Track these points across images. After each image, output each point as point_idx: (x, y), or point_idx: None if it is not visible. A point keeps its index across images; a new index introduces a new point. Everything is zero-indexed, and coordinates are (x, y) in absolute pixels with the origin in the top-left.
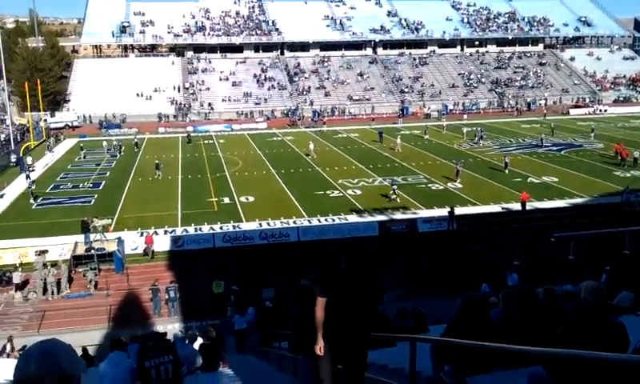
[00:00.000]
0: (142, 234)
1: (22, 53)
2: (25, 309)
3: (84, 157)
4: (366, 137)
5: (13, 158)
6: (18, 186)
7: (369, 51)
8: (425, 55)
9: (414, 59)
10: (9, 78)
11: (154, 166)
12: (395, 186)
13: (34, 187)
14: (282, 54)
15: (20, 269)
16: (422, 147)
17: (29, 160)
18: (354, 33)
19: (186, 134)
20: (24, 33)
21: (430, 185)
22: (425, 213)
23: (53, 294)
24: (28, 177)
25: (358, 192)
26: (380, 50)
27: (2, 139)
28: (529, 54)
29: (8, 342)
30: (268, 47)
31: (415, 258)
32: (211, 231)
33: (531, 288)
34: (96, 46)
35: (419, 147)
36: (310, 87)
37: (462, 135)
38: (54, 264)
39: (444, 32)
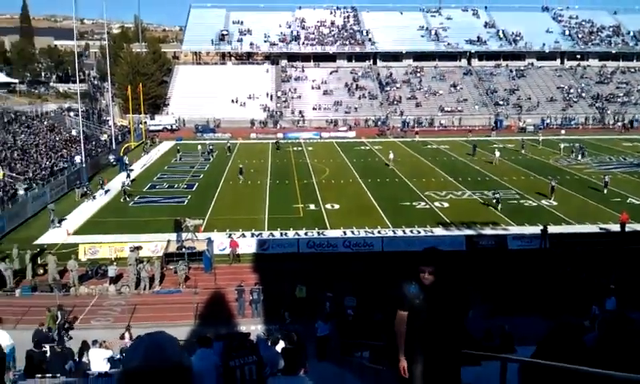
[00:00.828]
0: (229, 236)
1: (126, 57)
2: (118, 301)
3: (180, 159)
4: (456, 149)
5: (112, 158)
6: (118, 184)
7: (463, 62)
8: (522, 67)
9: (511, 71)
10: (113, 81)
11: (238, 170)
12: (498, 196)
13: (129, 187)
14: (375, 63)
15: (115, 263)
16: (516, 162)
17: (127, 160)
18: (448, 43)
19: (275, 141)
20: (129, 38)
21: (522, 201)
22: (516, 229)
23: (145, 288)
24: (128, 176)
25: (446, 205)
26: (475, 62)
27: (104, 139)
28: (633, 70)
29: (126, 331)
30: (361, 57)
31: (503, 276)
32: (296, 236)
33: (629, 313)
34: (196, 53)
35: (513, 161)
36: (400, 97)
37: (559, 151)
38: (148, 260)
39: (543, 44)
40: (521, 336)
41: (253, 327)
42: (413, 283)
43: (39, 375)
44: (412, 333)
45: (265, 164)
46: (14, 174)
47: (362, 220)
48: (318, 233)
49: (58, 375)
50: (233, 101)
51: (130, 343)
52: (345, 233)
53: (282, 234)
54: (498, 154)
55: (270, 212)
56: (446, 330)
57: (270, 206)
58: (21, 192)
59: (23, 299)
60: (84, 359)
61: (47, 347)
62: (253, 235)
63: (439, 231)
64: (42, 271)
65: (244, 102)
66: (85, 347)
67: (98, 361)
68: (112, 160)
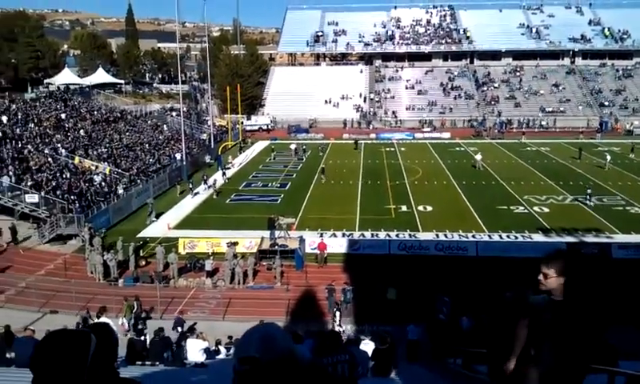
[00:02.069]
0: (320, 236)
1: (225, 59)
2: (213, 295)
3: (274, 158)
4: (557, 151)
5: (207, 158)
6: (217, 181)
7: (566, 61)
8: (629, 67)
9: (617, 71)
10: (212, 82)
11: (320, 170)
12: (590, 190)
13: (226, 181)
14: (472, 62)
15: (212, 258)
16: (623, 166)
17: (230, 158)
18: (550, 41)
19: (354, 140)
20: (227, 41)
21: (628, 208)
22: (621, 238)
23: (239, 283)
24: (224, 174)
25: (546, 210)
26: (579, 60)
27: (203, 139)
28: None
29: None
30: (457, 56)
31: (604, 285)
32: (387, 238)
33: None
34: (291, 54)
35: (620, 166)
36: (498, 97)
37: None
38: (242, 256)
39: None
40: (624, 350)
41: (343, 327)
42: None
43: (139, 362)
44: (533, 341)
45: (357, 164)
46: (120, 170)
47: (455, 223)
48: (410, 235)
49: (157, 363)
50: (326, 101)
51: (244, 334)
52: (437, 236)
53: (372, 235)
54: (609, 157)
55: (362, 212)
56: (574, 346)
57: (361, 206)
58: (120, 191)
59: (126, 289)
60: (182, 349)
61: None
62: (344, 235)
63: (538, 237)
64: (143, 263)
65: (337, 103)
66: (182, 337)
67: (195, 351)
68: (207, 160)
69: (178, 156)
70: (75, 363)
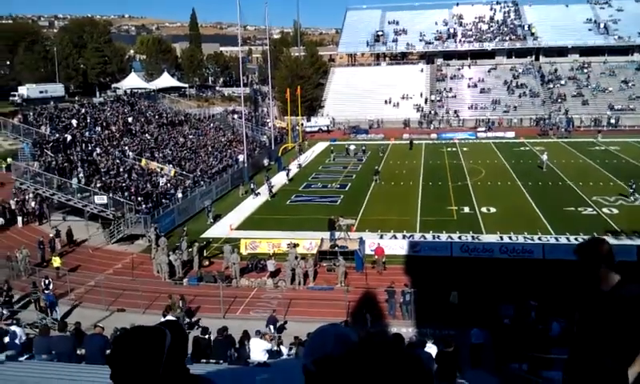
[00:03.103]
0: (381, 237)
1: (285, 61)
2: (275, 295)
3: (333, 159)
4: (627, 151)
5: (265, 161)
6: (278, 182)
7: (636, 57)
8: None
9: None
10: (273, 84)
11: (373, 171)
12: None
13: (283, 184)
14: (537, 59)
15: (273, 258)
16: None
17: (298, 159)
18: (619, 37)
19: (409, 140)
20: (288, 43)
21: None
22: None
23: (300, 284)
24: (287, 174)
25: (615, 211)
26: None
27: (264, 141)
28: None
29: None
30: (522, 53)
31: None
32: (449, 240)
33: None
34: (351, 54)
35: None
36: (565, 95)
37: None
38: (303, 257)
39: None
40: None
41: (404, 329)
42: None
43: (204, 360)
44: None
45: (417, 165)
46: (184, 172)
47: (520, 225)
48: (473, 237)
49: (221, 361)
50: (386, 101)
51: (316, 333)
52: (501, 238)
53: (434, 237)
54: None
55: (422, 214)
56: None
57: (422, 207)
58: (179, 195)
59: (190, 288)
60: (245, 348)
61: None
62: (404, 237)
63: (608, 240)
64: (207, 263)
65: (397, 103)
66: (245, 336)
67: (258, 351)
68: (266, 163)
69: (240, 158)
70: (152, 358)
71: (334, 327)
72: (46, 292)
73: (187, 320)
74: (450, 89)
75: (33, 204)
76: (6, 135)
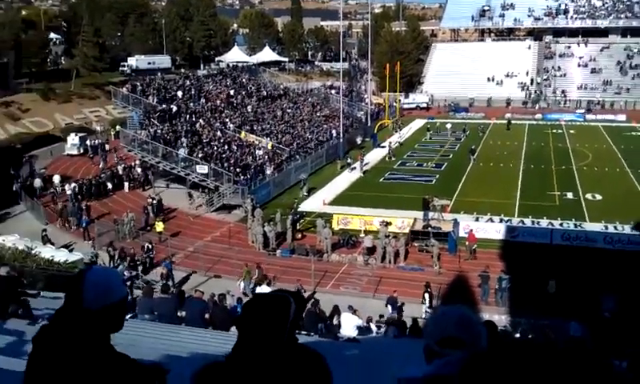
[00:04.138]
0: (476, 219)
1: (385, 36)
2: (364, 272)
3: (430, 138)
4: None
5: (359, 139)
6: (371, 159)
7: None
8: None
9: None
10: (372, 59)
11: (469, 150)
12: None
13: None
14: None
15: (364, 235)
16: None
17: (398, 135)
18: None
19: (506, 121)
20: (389, 17)
21: None
22: None
23: (390, 262)
24: (390, 150)
25: None
26: None
27: (360, 117)
28: None
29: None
30: (637, 32)
31: None
32: (550, 226)
33: None
34: (454, 29)
35: None
36: None
37: None
38: (394, 235)
39: None
40: None
41: (496, 316)
42: None
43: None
44: None
45: (519, 146)
46: (282, 145)
47: (628, 215)
48: (575, 225)
49: (312, 334)
50: (489, 79)
51: (439, 314)
52: (606, 227)
53: (533, 223)
54: None
55: (522, 198)
56: None
57: (522, 191)
58: (267, 172)
59: (283, 260)
60: (335, 322)
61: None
62: (501, 221)
63: None
64: (300, 236)
65: (501, 80)
66: (336, 311)
67: (349, 326)
68: (359, 141)
69: (334, 133)
70: (278, 324)
71: (458, 309)
72: (166, 261)
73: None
74: (559, 67)
75: (139, 170)
76: (115, 104)
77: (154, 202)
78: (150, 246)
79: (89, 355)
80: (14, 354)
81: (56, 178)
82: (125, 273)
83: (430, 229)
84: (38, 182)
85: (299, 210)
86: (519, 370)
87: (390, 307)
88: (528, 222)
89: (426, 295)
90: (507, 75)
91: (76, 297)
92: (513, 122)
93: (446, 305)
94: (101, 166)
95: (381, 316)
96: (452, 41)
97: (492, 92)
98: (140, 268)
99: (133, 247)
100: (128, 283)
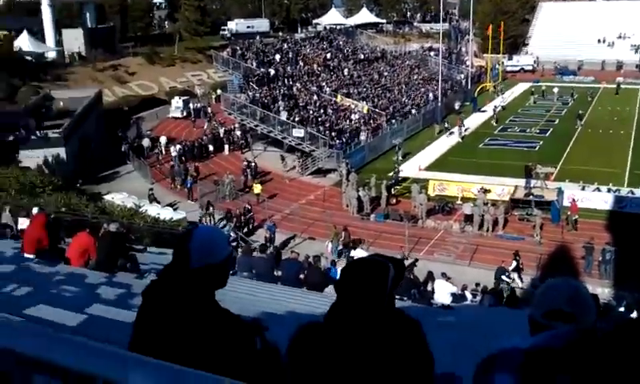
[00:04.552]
0: (582, 188)
1: None
2: (460, 239)
3: (534, 102)
4: None
5: (457, 104)
6: (471, 124)
7: None
8: None
9: None
10: (474, 20)
11: (576, 115)
12: None
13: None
14: None
15: (461, 202)
16: None
17: (499, 100)
18: None
19: (616, 85)
20: None
21: None
22: None
23: (487, 231)
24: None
25: None
26: None
27: (460, 79)
28: None
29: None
30: None
31: None
32: None
33: None
34: None
35: None
36: None
37: None
38: (493, 203)
39: None
40: None
41: (599, 289)
42: None
43: None
44: None
45: (631, 113)
46: (377, 109)
47: None
48: None
49: (405, 298)
50: (599, 40)
51: (549, 285)
52: None
53: None
54: None
55: (633, 167)
56: None
57: (632, 159)
58: (362, 137)
59: (377, 224)
60: (428, 288)
61: None
62: (609, 191)
63: None
64: (394, 201)
65: (612, 42)
66: (430, 277)
67: (443, 293)
68: (457, 106)
69: (432, 96)
70: (377, 289)
71: (570, 282)
72: (269, 223)
73: (346, 251)
74: None
75: (238, 133)
76: (216, 68)
77: (252, 164)
78: (250, 207)
79: (195, 310)
80: (123, 305)
81: (162, 139)
82: (231, 234)
83: (531, 197)
84: (146, 142)
85: (399, 174)
86: (630, 352)
87: (505, 276)
88: (638, 192)
89: (514, 263)
90: (620, 37)
91: (183, 255)
92: (625, 86)
93: (556, 276)
94: (205, 128)
95: (477, 284)
96: (560, 0)
97: (603, 54)
98: (245, 229)
99: (233, 208)
100: (234, 244)
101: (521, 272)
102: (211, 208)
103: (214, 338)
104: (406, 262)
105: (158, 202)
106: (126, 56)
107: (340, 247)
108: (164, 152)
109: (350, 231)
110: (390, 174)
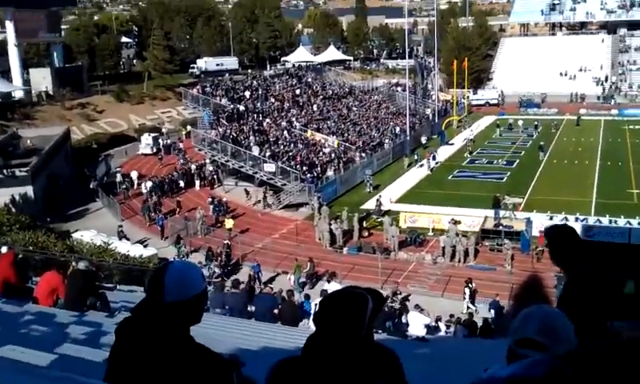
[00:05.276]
0: (550, 218)
1: (452, 32)
2: (433, 271)
3: (500, 134)
4: None
5: (424, 139)
6: (439, 157)
7: None
8: None
9: None
10: (439, 56)
11: (538, 147)
12: None
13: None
14: None
15: (432, 233)
16: None
17: (469, 132)
18: None
19: (577, 116)
20: (455, 13)
21: None
22: None
23: (459, 261)
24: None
25: None
26: None
27: (427, 114)
28: None
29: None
30: None
31: None
32: (628, 226)
33: None
34: (523, 24)
35: None
36: None
37: None
38: (464, 234)
39: None
40: None
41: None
42: None
43: None
44: None
45: (595, 143)
46: (347, 144)
47: None
48: None
49: (380, 331)
50: (561, 74)
51: (523, 314)
52: None
53: (610, 222)
54: None
55: (599, 196)
56: None
57: (598, 189)
58: (329, 173)
59: (350, 257)
60: (403, 320)
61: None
62: (577, 219)
63: None
64: (366, 234)
65: (574, 75)
66: (404, 309)
67: (417, 325)
68: (424, 141)
69: (397, 130)
70: (357, 320)
71: (540, 311)
72: (254, 264)
73: (309, 282)
74: (635, 61)
75: (211, 168)
76: (186, 104)
77: (215, 200)
78: (229, 244)
79: (171, 346)
80: (94, 345)
81: (133, 174)
82: (215, 270)
83: (501, 227)
84: (118, 177)
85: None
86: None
87: (492, 311)
88: (605, 220)
89: (467, 290)
90: (581, 70)
91: (157, 289)
92: (588, 117)
93: (533, 305)
94: (178, 163)
95: (451, 315)
96: (521, 35)
97: (566, 87)
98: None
99: (212, 245)
100: (218, 280)
101: (474, 299)
102: (181, 242)
103: (190, 375)
104: (399, 296)
105: (128, 239)
106: (95, 94)
107: (303, 279)
108: (135, 187)
109: (324, 265)
110: (373, 207)
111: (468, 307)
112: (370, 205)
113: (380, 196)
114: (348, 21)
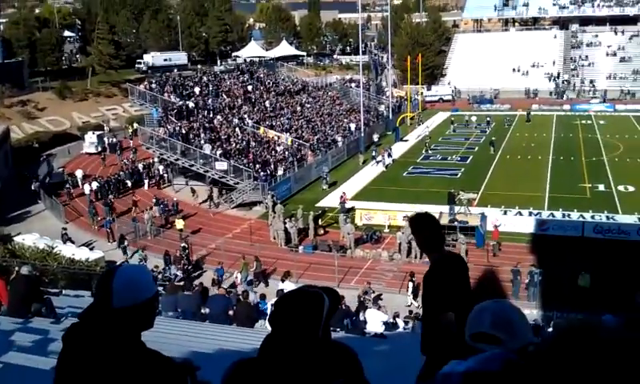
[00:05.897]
0: (504, 213)
1: (405, 28)
2: (390, 267)
3: (454, 130)
4: None
5: (375, 136)
6: (394, 154)
7: None
8: None
9: None
10: (392, 52)
11: (489, 142)
12: None
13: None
14: None
15: (388, 230)
16: None
17: (424, 128)
18: None
19: (527, 111)
20: (409, 9)
21: None
22: None
23: (415, 257)
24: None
25: None
26: None
27: (381, 111)
28: None
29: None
30: None
31: None
32: (581, 219)
33: None
34: (476, 20)
35: None
36: None
37: None
38: None
39: None
40: None
41: (527, 311)
42: None
43: None
44: None
45: (547, 138)
46: (301, 141)
47: None
48: (607, 217)
49: (338, 329)
50: (514, 70)
51: (478, 309)
52: None
53: (564, 215)
54: None
55: (552, 190)
56: None
57: (551, 183)
58: (280, 172)
59: (305, 256)
60: (360, 318)
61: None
62: (531, 214)
63: None
64: (322, 232)
65: (527, 71)
66: (361, 307)
67: (375, 322)
68: (376, 139)
69: (353, 127)
70: (314, 319)
71: (495, 305)
72: (217, 267)
73: (256, 281)
74: (586, 57)
75: (161, 168)
76: (133, 101)
77: (160, 201)
78: (187, 246)
79: (121, 352)
80: (41, 352)
81: (78, 173)
82: (178, 273)
83: (456, 223)
84: (65, 177)
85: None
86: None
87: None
88: (558, 214)
89: (410, 284)
90: (533, 66)
91: (105, 294)
92: (540, 113)
93: (487, 300)
94: (129, 160)
95: (410, 312)
96: (475, 31)
97: (517, 83)
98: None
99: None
100: (182, 283)
101: (418, 293)
102: (125, 242)
103: (142, 381)
104: (372, 295)
105: (73, 242)
106: (36, 91)
107: (250, 277)
108: (80, 187)
109: (280, 264)
110: (337, 206)
111: (410, 303)
112: (326, 202)
113: (344, 193)
114: (301, 15)
